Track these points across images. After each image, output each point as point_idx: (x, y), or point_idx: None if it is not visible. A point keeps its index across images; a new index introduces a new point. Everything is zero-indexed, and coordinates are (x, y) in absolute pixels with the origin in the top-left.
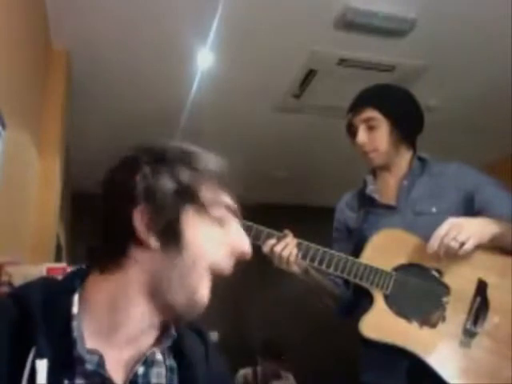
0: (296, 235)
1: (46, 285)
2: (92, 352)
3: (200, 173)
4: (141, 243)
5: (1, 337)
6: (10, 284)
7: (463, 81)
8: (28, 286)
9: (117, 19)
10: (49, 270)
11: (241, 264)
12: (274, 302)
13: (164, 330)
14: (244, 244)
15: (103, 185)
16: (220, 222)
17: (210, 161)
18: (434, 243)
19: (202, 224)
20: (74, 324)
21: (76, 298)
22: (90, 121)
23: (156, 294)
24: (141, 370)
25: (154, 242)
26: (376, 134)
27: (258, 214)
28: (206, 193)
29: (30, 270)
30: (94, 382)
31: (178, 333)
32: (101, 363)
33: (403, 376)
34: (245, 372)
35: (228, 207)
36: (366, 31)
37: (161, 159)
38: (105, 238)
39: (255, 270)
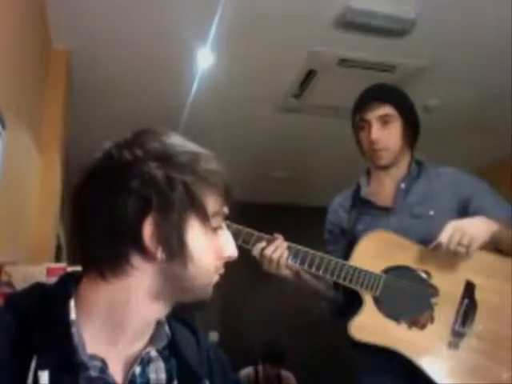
0: (296, 235)
1: (40, 292)
2: (94, 357)
3: (206, 180)
4: (144, 252)
5: (1, 348)
6: (9, 284)
7: (463, 81)
8: (22, 295)
9: (117, 19)
10: (49, 270)
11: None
12: (274, 302)
13: (157, 327)
14: (234, 250)
15: (106, 189)
16: (215, 230)
17: (214, 166)
18: (440, 249)
19: (202, 233)
20: (74, 331)
21: (72, 303)
22: (90, 120)
23: (161, 298)
24: (137, 369)
25: (160, 253)
26: (390, 132)
27: (258, 214)
28: (210, 203)
29: (30, 269)
30: None
31: (170, 328)
32: (104, 368)
33: (398, 377)
34: (247, 372)
35: (225, 216)
36: (366, 31)
37: (170, 163)
38: (106, 243)
39: (255, 270)
